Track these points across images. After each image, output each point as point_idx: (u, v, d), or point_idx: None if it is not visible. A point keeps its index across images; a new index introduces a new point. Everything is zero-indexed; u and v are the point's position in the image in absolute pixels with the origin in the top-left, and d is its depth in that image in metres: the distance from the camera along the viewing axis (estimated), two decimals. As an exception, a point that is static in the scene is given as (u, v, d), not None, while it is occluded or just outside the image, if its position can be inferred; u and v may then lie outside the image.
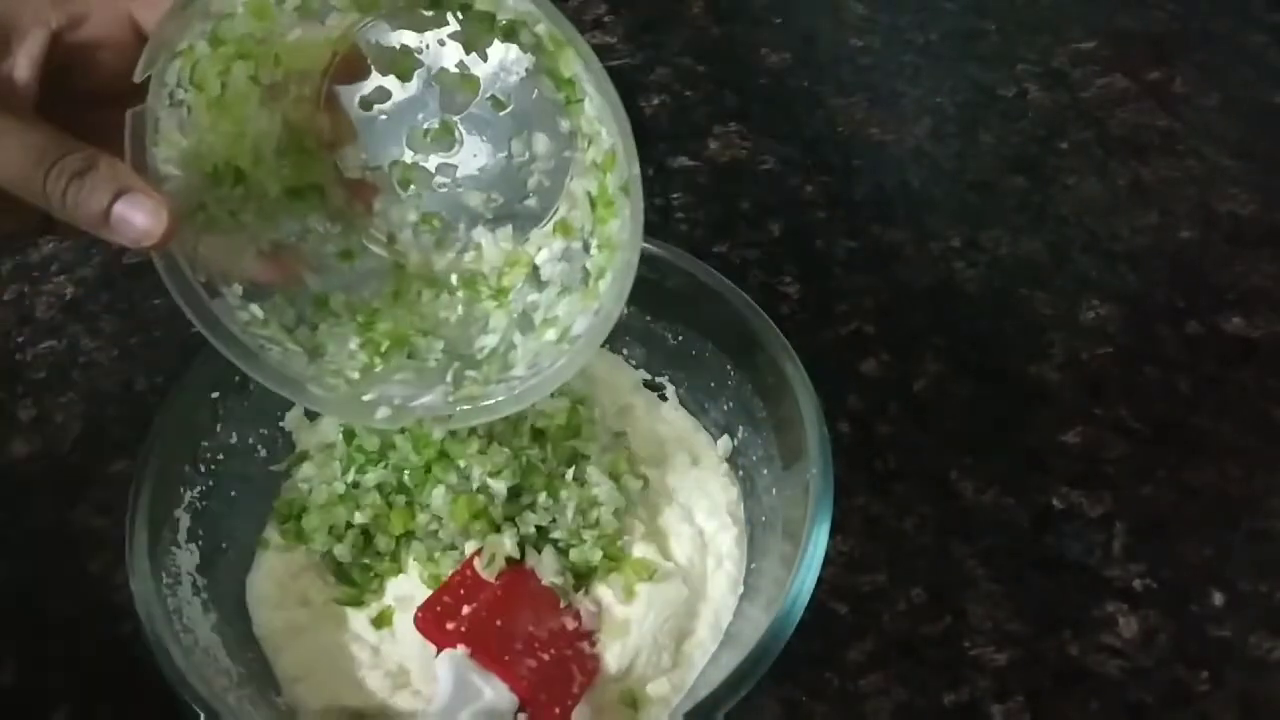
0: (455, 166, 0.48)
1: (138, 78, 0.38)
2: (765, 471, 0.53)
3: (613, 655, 0.48)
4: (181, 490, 0.50)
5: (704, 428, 0.58)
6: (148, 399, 0.63)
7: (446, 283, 0.49)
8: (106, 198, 0.38)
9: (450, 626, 0.47)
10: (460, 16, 0.42)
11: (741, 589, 0.52)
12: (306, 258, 0.47)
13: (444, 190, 0.49)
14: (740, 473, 0.56)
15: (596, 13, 0.88)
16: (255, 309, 0.44)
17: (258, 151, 0.44)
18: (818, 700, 0.52)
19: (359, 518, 0.51)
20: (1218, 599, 0.55)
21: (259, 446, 0.55)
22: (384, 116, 0.47)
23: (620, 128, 0.39)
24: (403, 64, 0.45)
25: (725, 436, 0.57)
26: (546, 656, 0.48)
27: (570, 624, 0.49)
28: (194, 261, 0.42)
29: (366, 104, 0.47)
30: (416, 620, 0.48)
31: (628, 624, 0.49)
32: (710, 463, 0.56)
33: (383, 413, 0.45)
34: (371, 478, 0.51)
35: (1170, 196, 0.74)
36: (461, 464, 0.50)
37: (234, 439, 0.53)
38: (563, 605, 0.50)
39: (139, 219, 0.38)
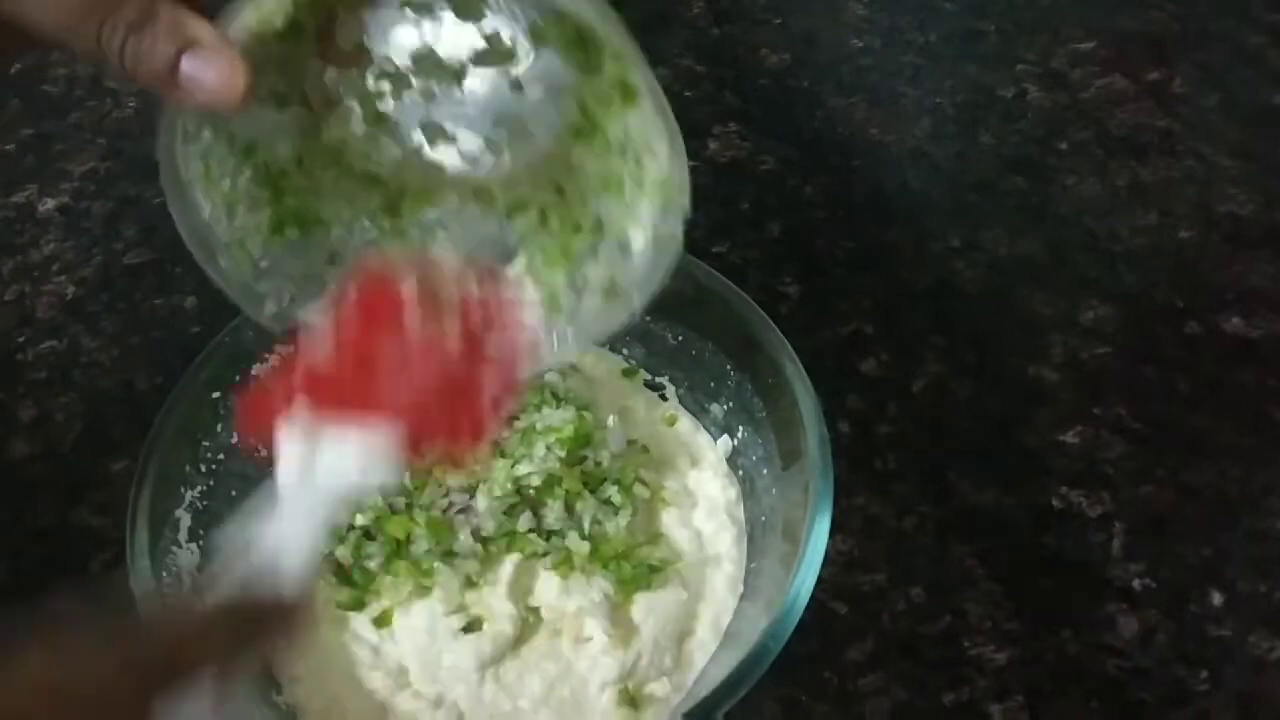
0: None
1: None
2: (765, 472, 0.53)
3: (615, 660, 0.48)
4: (182, 490, 0.50)
5: (704, 428, 0.58)
6: (148, 399, 0.63)
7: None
8: (170, 52, 0.33)
9: (278, 401, 0.34)
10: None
11: (741, 589, 0.52)
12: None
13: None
14: (740, 473, 0.56)
15: (596, 13, 0.88)
16: (207, 133, 0.39)
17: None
18: (817, 700, 0.52)
19: (360, 519, 0.51)
20: (1217, 599, 0.55)
21: (259, 446, 0.55)
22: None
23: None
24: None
25: (725, 437, 0.57)
26: (431, 374, 0.34)
27: (452, 340, 0.35)
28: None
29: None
30: (240, 424, 0.36)
31: (629, 629, 0.49)
32: (710, 463, 0.56)
33: (269, 308, 0.41)
34: None
35: (1170, 197, 0.74)
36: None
37: (234, 439, 0.53)
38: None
39: (210, 77, 0.33)
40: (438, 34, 0.39)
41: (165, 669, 0.28)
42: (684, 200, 0.36)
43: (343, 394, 0.33)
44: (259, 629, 0.32)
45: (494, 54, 0.40)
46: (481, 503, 0.51)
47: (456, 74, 0.41)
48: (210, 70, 0.33)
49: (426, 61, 0.40)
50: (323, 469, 0.32)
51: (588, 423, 0.53)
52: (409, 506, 0.51)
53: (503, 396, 0.36)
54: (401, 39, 0.40)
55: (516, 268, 0.43)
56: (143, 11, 0.33)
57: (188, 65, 0.33)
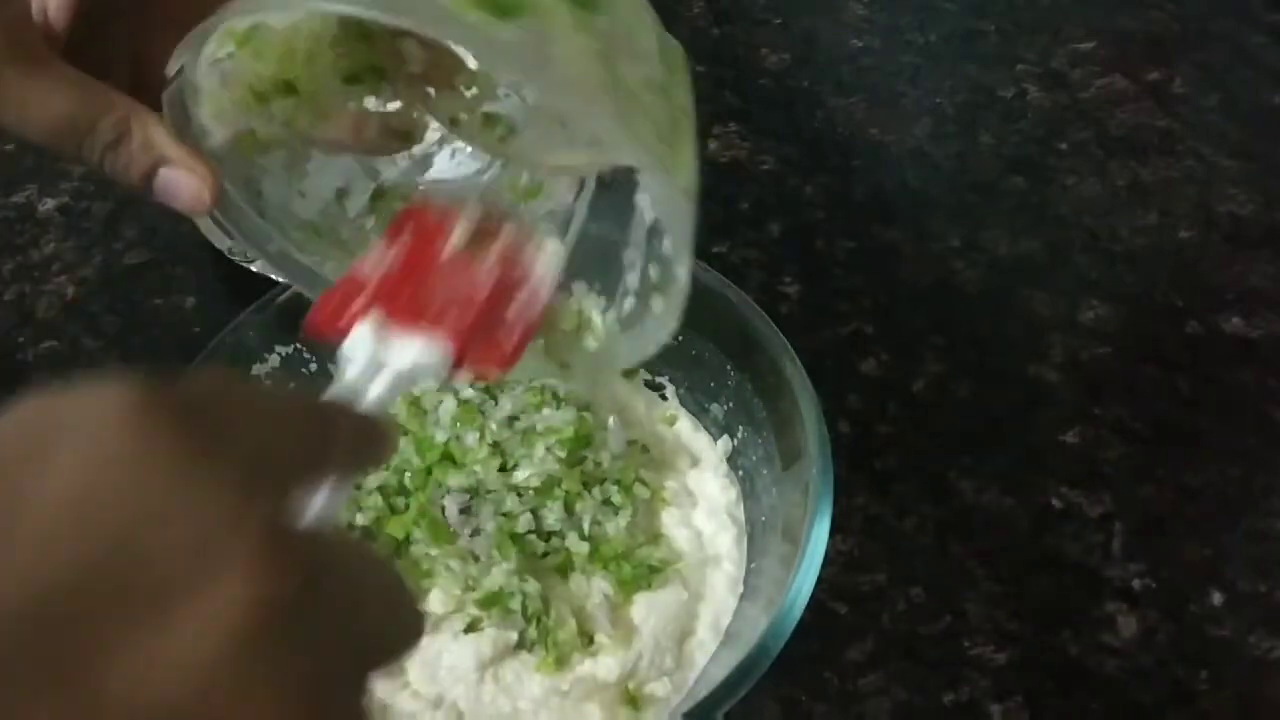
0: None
1: (170, 71, 0.36)
2: (765, 472, 0.53)
3: (615, 661, 0.48)
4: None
5: (704, 428, 0.58)
6: (148, 399, 0.63)
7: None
8: (143, 168, 0.36)
9: (356, 307, 0.38)
10: None
11: (741, 589, 0.52)
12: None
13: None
14: (740, 473, 0.56)
15: (596, 13, 0.88)
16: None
17: (311, 53, 0.40)
18: (817, 700, 0.52)
19: (360, 519, 0.51)
20: (1217, 598, 0.55)
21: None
22: None
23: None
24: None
25: (725, 437, 0.57)
26: (476, 295, 0.39)
27: (492, 269, 0.41)
28: (250, 186, 0.40)
29: None
30: (312, 325, 0.38)
31: (629, 630, 0.49)
32: (710, 463, 0.56)
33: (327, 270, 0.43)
34: (373, 479, 0.51)
35: (1169, 196, 0.74)
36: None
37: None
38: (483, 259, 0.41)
39: (182, 191, 0.36)
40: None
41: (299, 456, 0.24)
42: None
43: (407, 307, 0.38)
44: (367, 434, 0.28)
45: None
46: (481, 504, 0.51)
47: None
48: (180, 185, 0.37)
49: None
50: (385, 353, 0.36)
51: (588, 424, 0.53)
52: (408, 507, 0.51)
53: (528, 329, 0.40)
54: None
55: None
56: (118, 131, 0.36)
57: (160, 181, 0.37)
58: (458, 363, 0.38)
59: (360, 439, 0.27)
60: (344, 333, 0.37)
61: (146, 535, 0.17)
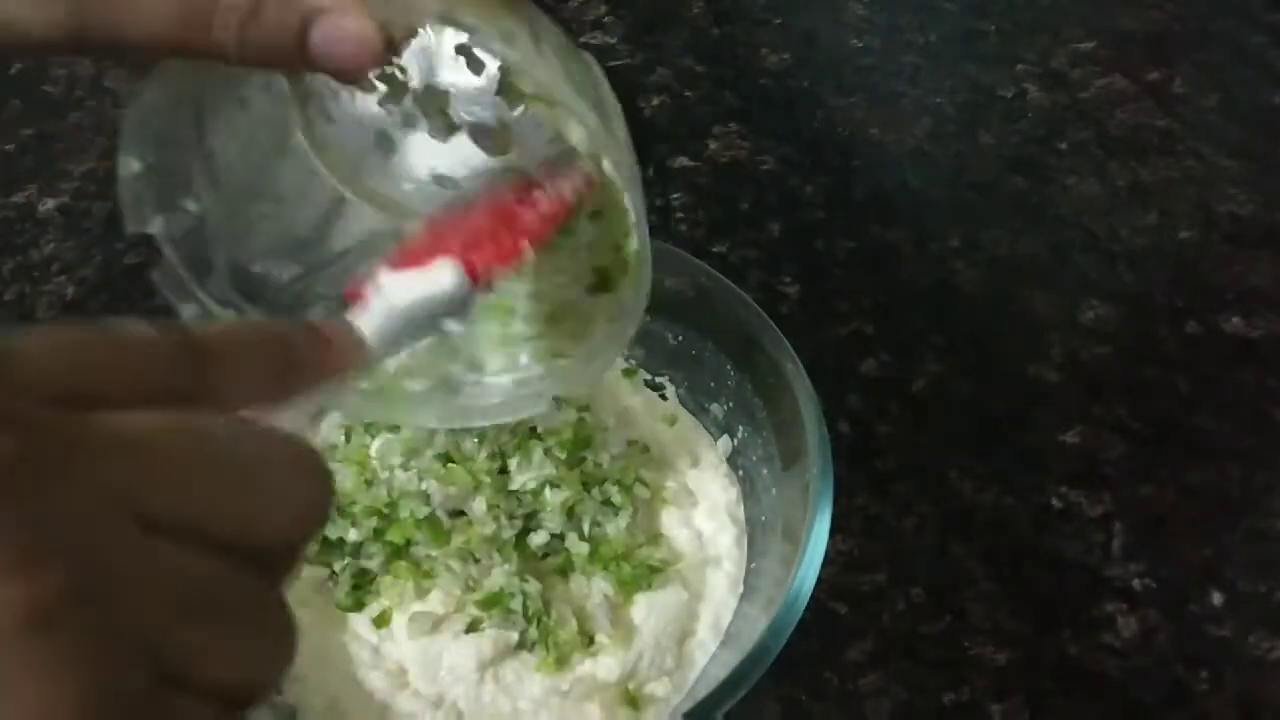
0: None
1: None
2: (765, 471, 0.53)
3: (616, 661, 0.48)
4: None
5: (704, 428, 0.58)
6: (148, 399, 0.63)
7: None
8: (294, 28, 0.31)
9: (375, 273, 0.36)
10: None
11: (741, 589, 0.52)
12: None
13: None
14: (740, 473, 0.56)
15: (596, 13, 0.88)
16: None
17: None
18: (817, 700, 0.52)
19: (354, 535, 0.51)
20: (1217, 598, 0.55)
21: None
22: None
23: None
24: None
25: (725, 436, 0.57)
26: (481, 215, 0.38)
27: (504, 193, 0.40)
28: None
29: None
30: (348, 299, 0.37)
31: (630, 630, 0.49)
32: (710, 463, 0.56)
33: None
34: (367, 498, 0.51)
35: (1170, 196, 0.74)
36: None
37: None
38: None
39: (349, 39, 0.31)
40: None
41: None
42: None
43: (414, 253, 0.36)
44: (311, 351, 0.26)
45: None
46: (480, 506, 0.51)
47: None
48: (340, 34, 0.31)
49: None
50: (397, 292, 0.34)
51: (588, 425, 0.53)
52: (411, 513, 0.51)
53: (546, 224, 0.39)
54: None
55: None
56: None
57: (318, 35, 0.31)
58: (473, 276, 0.35)
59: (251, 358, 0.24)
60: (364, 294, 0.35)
61: None
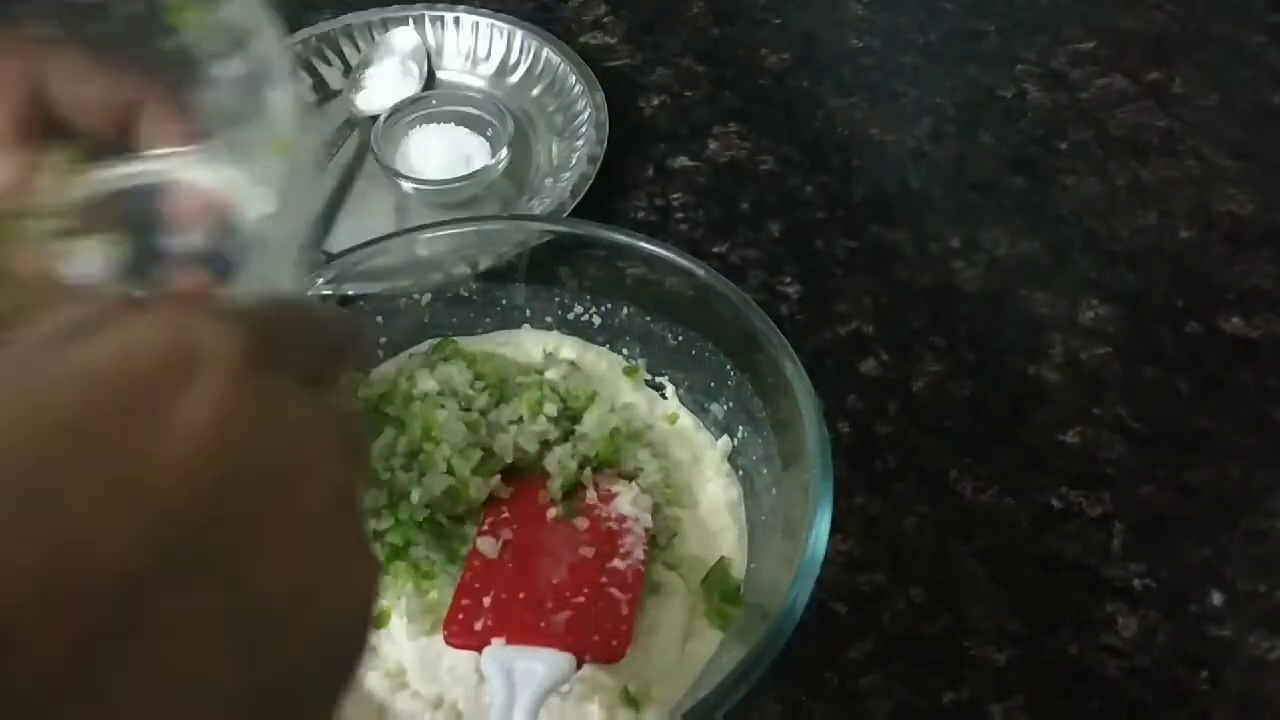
0: None
1: None
2: (765, 471, 0.53)
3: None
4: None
5: (704, 427, 0.58)
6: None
7: None
8: None
9: (479, 626, 0.46)
10: None
11: (742, 589, 0.52)
12: None
13: None
14: (740, 473, 0.56)
15: (596, 13, 0.88)
16: None
17: None
18: (817, 700, 0.52)
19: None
20: (1217, 598, 0.55)
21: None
22: None
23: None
24: None
25: (725, 436, 0.57)
26: (581, 598, 0.46)
27: (589, 551, 0.48)
28: None
29: None
30: (447, 639, 0.47)
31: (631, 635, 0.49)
32: (711, 463, 0.56)
33: None
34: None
35: (1170, 197, 0.74)
36: None
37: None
38: (580, 528, 0.50)
39: None
40: None
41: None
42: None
43: (525, 627, 0.46)
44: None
45: None
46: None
47: None
48: None
49: None
50: (516, 670, 0.44)
51: (619, 438, 0.53)
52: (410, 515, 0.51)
53: (631, 610, 0.47)
54: None
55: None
56: None
57: None
58: (579, 662, 0.45)
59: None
60: (478, 648, 0.46)
61: (270, 447, 0.22)
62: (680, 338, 0.57)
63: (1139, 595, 0.55)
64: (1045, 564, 0.56)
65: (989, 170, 0.77)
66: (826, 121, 0.80)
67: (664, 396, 0.59)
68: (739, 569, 0.52)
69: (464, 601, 0.47)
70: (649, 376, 0.59)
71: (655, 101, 0.81)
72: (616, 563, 0.48)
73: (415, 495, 0.49)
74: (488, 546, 0.49)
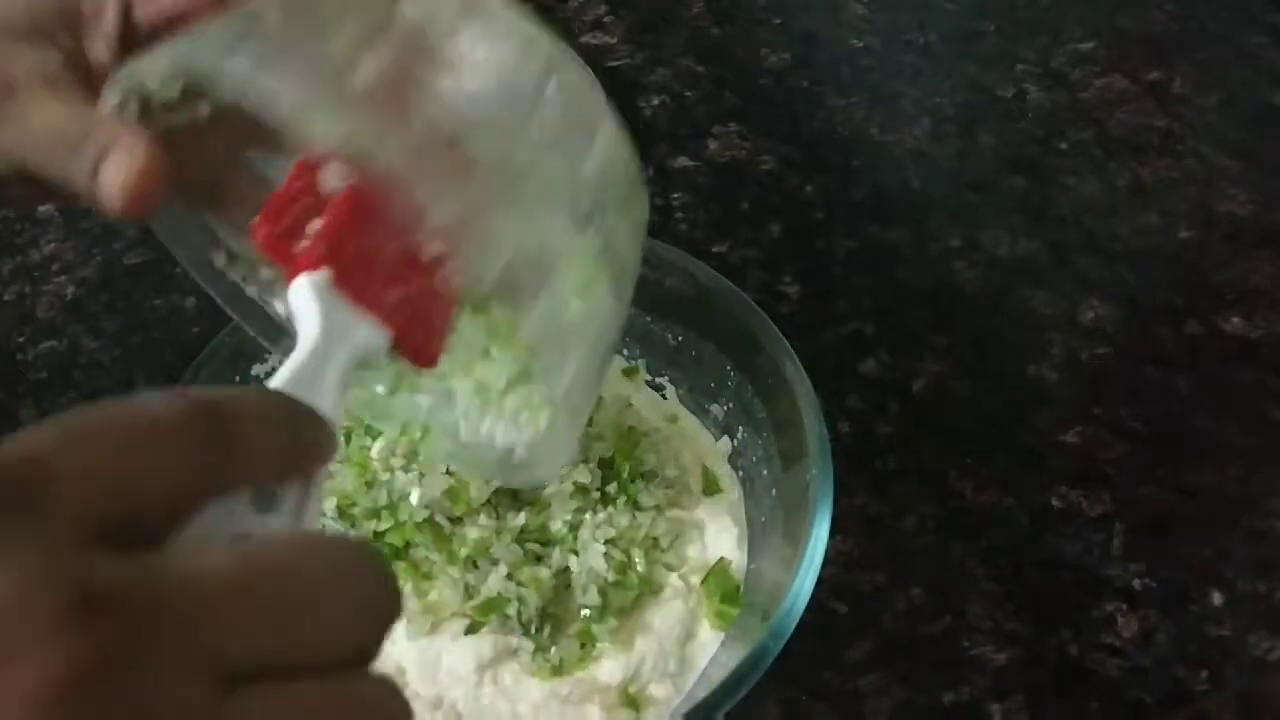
0: None
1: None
2: (765, 472, 0.53)
3: (617, 665, 0.48)
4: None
5: (704, 428, 0.58)
6: (148, 399, 0.63)
7: None
8: (87, 166, 0.37)
9: (301, 246, 0.37)
10: None
11: (742, 590, 0.52)
12: None
13: None
14: (740, 473, 0.56)
15: (596, 13, 0.88)
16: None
17: None
18: (818, 700, 0.52)
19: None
20: (1217, 598, 0.55)
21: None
22: None
23: None
24: None
25: (725, 437, 0.57)
26: (411, 287, 0.38)
27: (422, 248, 0.38)
28: None
29: None
30: (254, 233, 0.38)
31: (632, 635, 0.49)
32: (711, 463, 0.56)
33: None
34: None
35: (1170, 197, 0.74)
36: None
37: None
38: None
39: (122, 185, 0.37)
40: None
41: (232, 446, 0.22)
42: None
43: (354, 272, 0.36)
44: (313, 432, 0.25)
45: None
46: (480, 512, 0.51)
47: None
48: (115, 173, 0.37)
49: None
50: (334, 324, 0.35)
51: (631, 440, 0.53)
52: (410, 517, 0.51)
53: (444, 326, 0.40)
54: None
55: None
56: (108, 140, 0.36)
57: (102, 175, 0.37)
58: (391, 349, 0.37)
59: (280, 440, 0.24)
60: (290, 265, 0.36)
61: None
62: (680, 338, 0.57)
63: (1139, 595, 0.55)
64: (1045, 564, 0.56)
65: (989, 170, 0.77)
66: (826, 121, 0.80)
67: (664, 397, 0.59)
68: (739, 569, 0.52)
69: (288, 210, 0.38)
70: (649, 377, 0.59)
71: (655, 101, 0.81)
72: (441, 282, 0.39)
73: (415, 496, 0.49)
74: (335, 174, 0.38)
